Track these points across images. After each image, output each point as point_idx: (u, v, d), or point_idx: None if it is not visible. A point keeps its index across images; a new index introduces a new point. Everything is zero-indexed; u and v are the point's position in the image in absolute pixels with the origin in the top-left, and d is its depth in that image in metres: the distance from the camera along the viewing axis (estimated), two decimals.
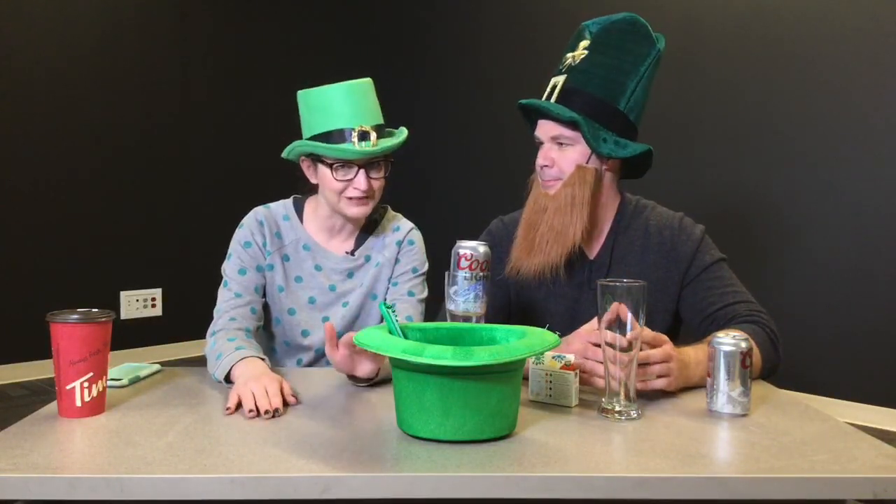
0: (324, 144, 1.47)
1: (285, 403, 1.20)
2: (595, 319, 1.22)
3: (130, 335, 3.90)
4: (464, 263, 1.26)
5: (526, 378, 1.21)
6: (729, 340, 1.17)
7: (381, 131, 1.50)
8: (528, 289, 1.57)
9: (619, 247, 1.54)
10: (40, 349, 3.02)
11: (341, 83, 1.49)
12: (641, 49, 1.48)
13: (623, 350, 1.13)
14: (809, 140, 3.23)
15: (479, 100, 4.35)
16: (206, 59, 4.31)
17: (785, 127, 3.29)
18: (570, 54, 1.52)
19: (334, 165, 1.49)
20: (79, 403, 1.11)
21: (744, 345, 1.17)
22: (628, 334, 1.13)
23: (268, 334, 1.63)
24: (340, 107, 1.48)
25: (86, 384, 1.10)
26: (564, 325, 1.42)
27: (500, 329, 1.16)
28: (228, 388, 1.30)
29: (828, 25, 3.17)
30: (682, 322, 1.57)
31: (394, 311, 1.15)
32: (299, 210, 1.62)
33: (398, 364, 1.04)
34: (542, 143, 1.52)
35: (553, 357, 1.21)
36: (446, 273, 1.29)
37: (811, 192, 3.24)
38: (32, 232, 3.68)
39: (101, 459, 0.96)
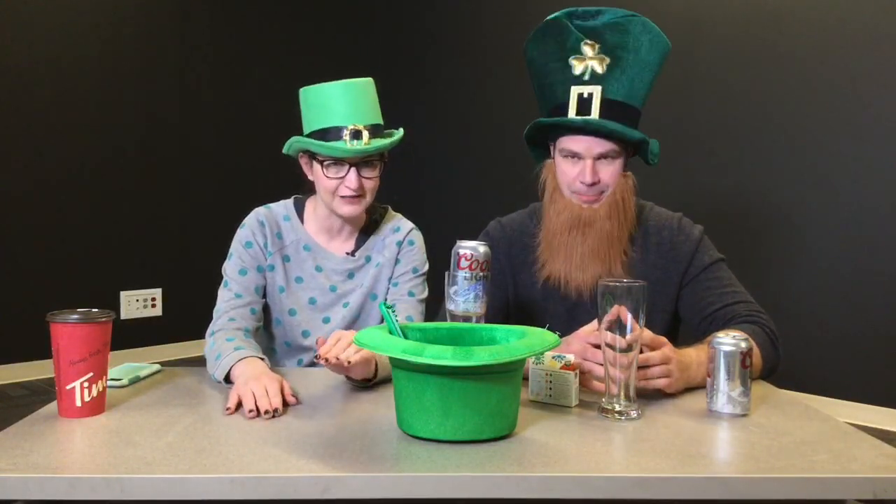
0: (317, 142, 1.47)
1: (285, 403, 1.20)
2: (595, 321, 1.22)
3: (130, 335, 3.90)
4: (464, 263, 1.26)
5: (526, 378, 1.21)
6: (729, 340, 1.17)
7: (377, 131, 1.50)
8: (529, 288, 1.57)
9: None
10: (40, 349, 3.02)
11: (340, 81, 1.49)
12: (659, 50, 1.47)
13: (623, 351, 1.13)
14: (809, 140, 3.23)
15: (479, 100, 4.35)
16: (206, 59, 4.30)
17: (784, 127, 3.29)
18: (581, 60, 1.46)
19: (325, 163, 1.49)
20: (79, 403, 1.11)
21: (744, 345, 1.17)
22: (628, 336, 1.13)
23: (268, 335, 1.63)
24: (336, 104, 1.48)
25: (86, 384, 1.10)
26: (564, 326, 1.42)
27: (500, 329, 1.16)
28: (228, 389, 1.30)
29: (827, 25, 3.17)
30: (682, 322, 1.57)
31: (394, 312, 1.15)
32: (300, 211, 1.63)
33: (398, 364, 1.04)
34: (576, 157, 1.47)
35: (553, 357, 1.21)
36: (446, 273, 1.29)
37: (811, 192, 3.24)
38: (32, 232, 3.68)
39: (101, 459, 0.96)
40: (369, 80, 1.55)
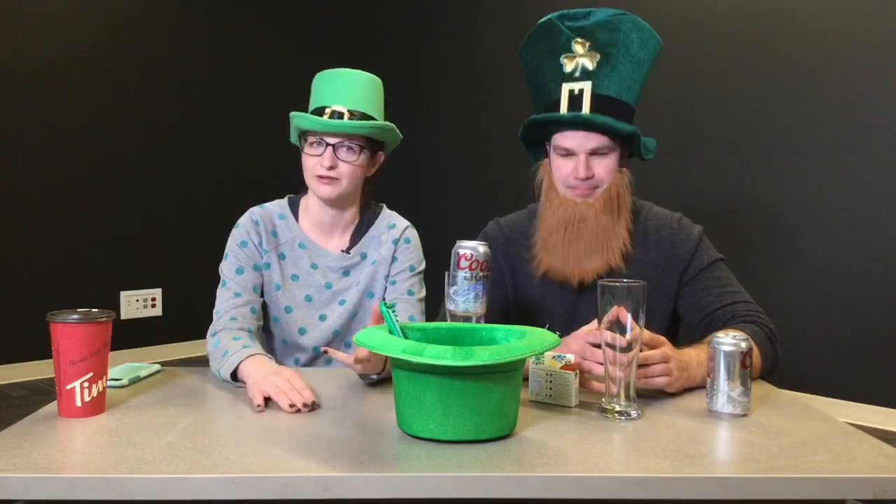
0: (299, 114, 1.52)
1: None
2: (594, 320, 1.22)
3: (130, 335, 3.90)
4: (464, 263, 1.26)
5: (526, 378, 1.21)
6: (729, 340, 1.17)
7: (363, 119, 1.52)
8: (528, 289, 1.57)
9: None
10: (40, 349, 3.02)
11: (342, 69, 1.54)
12: (650, 47, 1.48)
13: (622, 350, 1.13)
14: (808, 140, 3.23)
15: (479, 100, 4.35)
16: (206, 60, 4.31)
17: (784, 127, 3.29)
18: (571, 59, 1.47)
19: (308, 139, 1.52)
20: (79, 403, 1.11)
21: (744, 345, 1.17)
22: (628, 335, 1.12)
23: (266, 333, 1.63)
24: (328, 87, 1.53)
25: (86, 384, 1.10)
26: (563, 326, 1.42)
27: (500, 329, 1.16)
28: (233, 387, 1.30)
29: (827, 25, 3.17)
30: (681, 321, 1.57)
31: (394, 311, 1.15)
32: (294, 209, 1.63)
33: (398, 364, 1.04)
34: (570, 154, 1.48)
35: (553, 357, 1.21)
36: (446, 273, 1.29)
37: (811, 192, 3.24)
38: (32, 232, 3.68)
39: (101, 459, 0.96)
40: (375, 77, 1.57)
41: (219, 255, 1.59)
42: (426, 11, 4.63)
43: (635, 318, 1.12)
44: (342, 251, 1.62)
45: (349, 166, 1.53)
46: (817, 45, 3.20)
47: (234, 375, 1.32)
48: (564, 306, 1.55)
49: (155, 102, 4.10)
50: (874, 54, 3.06)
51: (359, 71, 1.55)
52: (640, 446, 1.02)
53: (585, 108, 1.45)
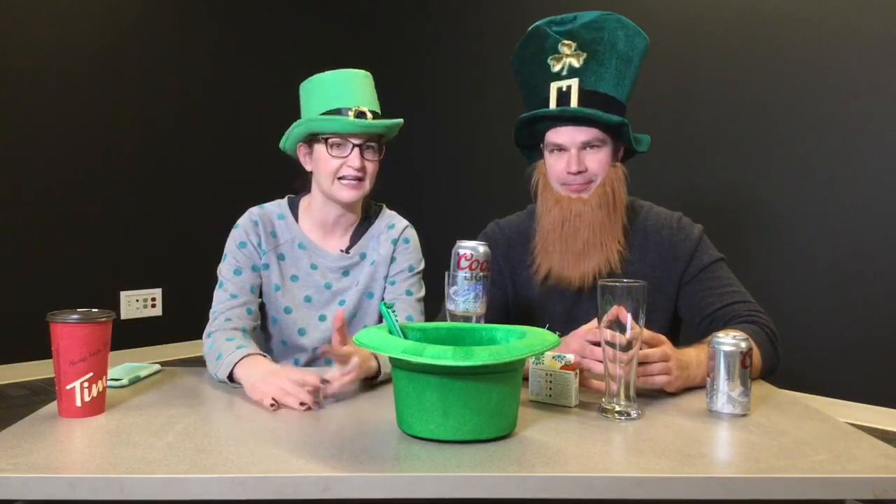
0: (322, 118, 1.49)
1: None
2: (594, 320, 1.22)
3: (130, 335, 3.90)
4: (464, 263, 1.26)
5: (526, 378, 1.21)
6: (729, 340, 1.17)
7: (378, 118, 1.52)
8: (528, 290, 1.57)
9: None
10: (40, 349, 3.01)
11: (341, 70, 1.53)
12: (636, 43, 1.49)
13: (622, 349, 1.13)
14: (808, 140, 3.23)
15: (479, 100, 4.35)
16: (206, 60, 4.31)
17: (783, 127, 3.29)
18: (558, 59, 1.49)
19: (330, 141, 1.50)
20: (79, 403, 1.11)
21: (744, 345, 1.17)
22: (627, 334, 1.12)
23: (265, 334, 1.63)
24: (340, 90, 1.51)
25: (86, 384, 1.10)
26: (563, 326, 1.42)
27: (500, 329, 1.16)
28: (231, 388, 1.30)
29: (826, 26, 3.17)
30: (682, 321, 1.57)
31: (394, 311, 1.15)
32: (294, 209, 1.63)
33: (398, 364, 1.04)
34: (562, 150, 1.49)
35: (553, 357, 1.21)
36: (446, 273, 1.29)
37: (811, 192, 3.24)
38: (32, 232, 3.68)
39: (101, 459, 0.96)
40: (368, 73, 1.57)
41: (219, 255, 1.59)
42: (427, 12, 4.63)
43: (635, 318, 1.12)
44: (341, 251, 1.62)
45: (373, 165, 1.54)
46: (817, 45, 3.20)
47: (231, 377, 1.32)
48: (564, 307, 1.55)
49: (155, 103, 4.10)
50: (874, 54, 3.06)
51: (358, 70, 1.55)
52: (640, 446, 1.02)
53: (573, 103, 1.46)
